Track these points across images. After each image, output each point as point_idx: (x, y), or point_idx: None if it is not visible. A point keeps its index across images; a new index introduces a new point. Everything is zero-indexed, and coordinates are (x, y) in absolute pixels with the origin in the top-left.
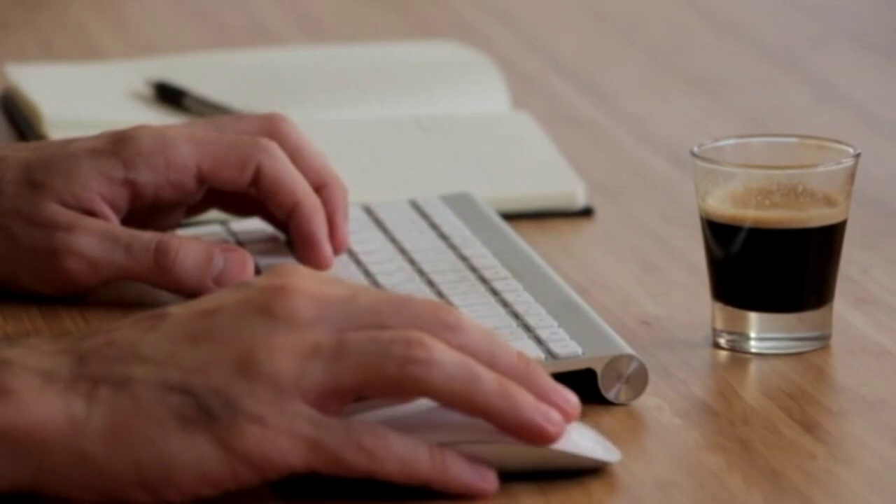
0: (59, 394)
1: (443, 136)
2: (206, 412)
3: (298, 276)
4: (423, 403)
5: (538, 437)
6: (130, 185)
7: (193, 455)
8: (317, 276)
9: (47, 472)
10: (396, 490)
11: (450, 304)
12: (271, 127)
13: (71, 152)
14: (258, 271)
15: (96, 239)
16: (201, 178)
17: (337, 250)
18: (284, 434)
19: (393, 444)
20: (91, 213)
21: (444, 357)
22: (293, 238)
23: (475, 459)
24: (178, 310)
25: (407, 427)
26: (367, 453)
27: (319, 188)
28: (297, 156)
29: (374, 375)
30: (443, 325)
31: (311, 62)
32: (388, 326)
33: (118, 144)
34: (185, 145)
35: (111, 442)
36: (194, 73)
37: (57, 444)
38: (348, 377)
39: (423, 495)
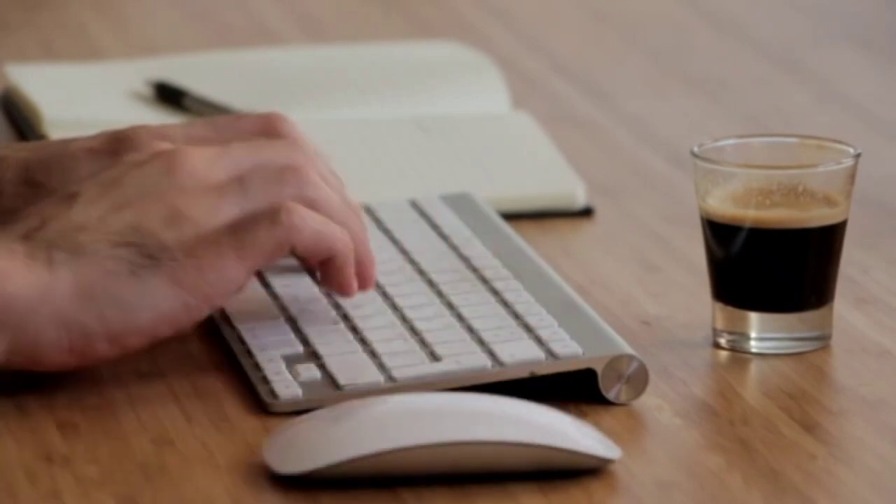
0: (23, 264)
1: (443, 136)
2: (150, 257)
3: (174, 144)
4: (429, 399)
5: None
6: None
7: (149, 297)
8: (189, 141)
9: (23, 338)
10: (394, 486)
11: (450, 304)
12: (270, 126)
13: (69, 152)
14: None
15: None
16: None
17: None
18: (217, 259)
19: (307, 218)
20: None
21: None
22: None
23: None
24: (85, 187)
25: (411, 420)
26: (285, 228)
27: None
28: None
29: (278, 196)
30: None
31: (311, 62)
32: (266, 160)
33: (115, 144)
34: None
35: (78, 299)
36: (194, 73)
37: (32, 309)
38: (258, 204)
39: (423, 488)
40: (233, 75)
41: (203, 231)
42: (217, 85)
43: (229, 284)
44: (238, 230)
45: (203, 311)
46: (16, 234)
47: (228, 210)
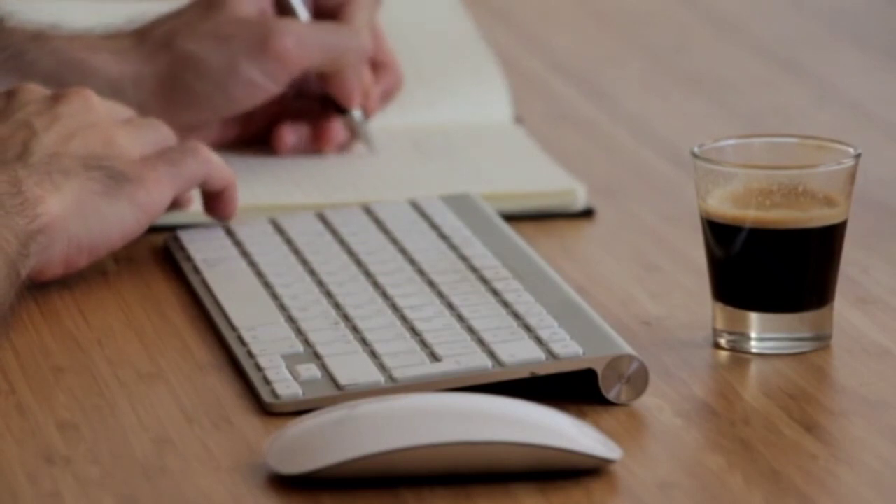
0: (45, 190)
1: (443, 143)
2: (114, 179)
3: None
4: (429, 399)
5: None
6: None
7: (118, 214)
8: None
9: (48, 255)
10: (395, 486)
11: (450, 304)
12: None
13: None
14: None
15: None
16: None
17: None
18: (160, 182)
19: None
20: None
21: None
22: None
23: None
24: (32, 118)
25: (411, 420)
26: (201, 159)
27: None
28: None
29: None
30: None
31: None
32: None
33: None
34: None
35: (76, 216)
36: None
37: (59, 231)
38: (165, 137)
39: (423, 488)
40: None
41: (140, 161)
42: None
43: (166, 205)
44: (166, 159)
45: (146, 226)
46: (9, 161)
47: (147, 137)
